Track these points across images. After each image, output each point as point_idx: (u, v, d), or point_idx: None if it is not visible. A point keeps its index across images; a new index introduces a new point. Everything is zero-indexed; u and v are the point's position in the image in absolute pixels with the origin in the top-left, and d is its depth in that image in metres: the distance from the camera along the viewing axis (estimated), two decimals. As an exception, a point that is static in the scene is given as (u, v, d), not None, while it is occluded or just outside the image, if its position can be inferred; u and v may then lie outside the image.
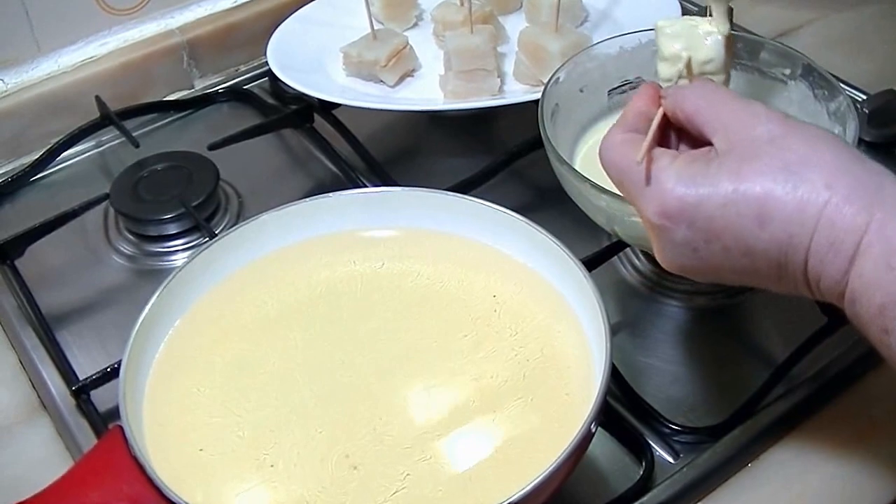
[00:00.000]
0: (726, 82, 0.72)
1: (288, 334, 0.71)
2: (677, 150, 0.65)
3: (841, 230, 0.54)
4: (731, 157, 0.57)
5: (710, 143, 0.60)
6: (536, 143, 0.79)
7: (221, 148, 0.95)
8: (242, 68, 1.15)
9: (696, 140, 0.62)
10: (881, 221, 0.53)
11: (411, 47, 1.01)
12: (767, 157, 0.56)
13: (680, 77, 0.68)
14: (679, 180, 0.58)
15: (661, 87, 0.66)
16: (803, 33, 1.13)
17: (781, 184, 0.55)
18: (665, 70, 0.71)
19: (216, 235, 0.77)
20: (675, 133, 0.65)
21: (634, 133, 0.63)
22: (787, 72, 0.81)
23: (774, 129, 0.57)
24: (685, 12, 1.00)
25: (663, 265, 0.62)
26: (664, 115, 0.64)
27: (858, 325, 0.56)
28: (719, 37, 0.69)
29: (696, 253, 0.59)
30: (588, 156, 0.83)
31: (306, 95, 0.97)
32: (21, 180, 1.00)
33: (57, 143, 1.01)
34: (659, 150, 0.61)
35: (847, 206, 0.54)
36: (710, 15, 0.70)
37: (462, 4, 1.00)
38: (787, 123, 0.58)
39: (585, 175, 0.73)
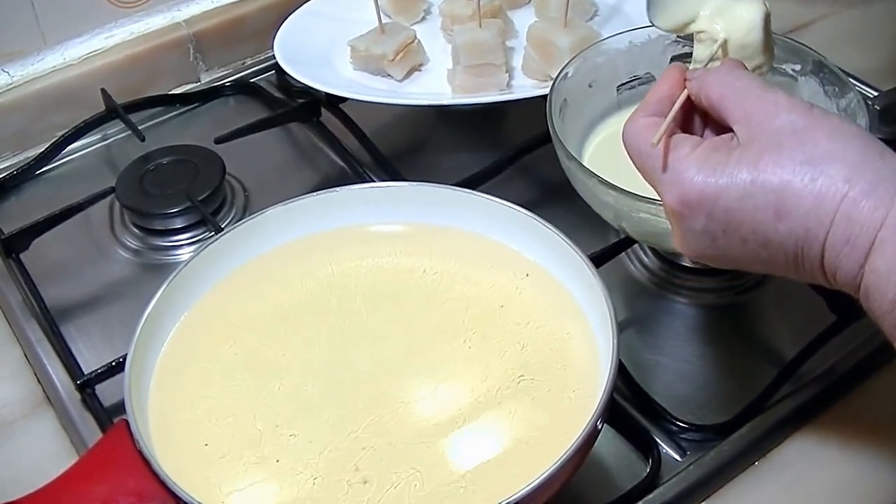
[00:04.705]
0: (766, 64, 0.70)
1: (294, 329, 0.71)
2: (702, 133, 0.64)
3: (857, 225, 0.53)
4: (751, 148, 0.57)
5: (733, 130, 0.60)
6: (544, 139, 0.79)
7: (228, 142, 0.95)
8: (249, 61, 1.15)
9: (720, 124, 0.62)
10: None
11: (419, 41, 1.00)
12: (788, 149, 0.56)
13: (714, 59, 0.68)
14: (700, 170, 0.58)
15: (686, 69, 0.65)
16: (815, 29, 1.12)
17: (800, 176, 0.55)
18: (701, 52, 0.70)
19: (222, 230, 0.77)
20: (701, 116, 0.65)
21: (658, 118, 0.62)
22: (798, 68, 0.81)
23: (797, 120, 0.57)
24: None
25: (682, 251, 0.62)
26: (689, 98, 0.63)
27: (873, 318, 0.56)
28: (759, 20, 0.68)
29: (715, 242, 0.59)
30: (597, 151, 0.83)
31: (313, 89, 0.97)
32: (26, 173, 1.00)
33: (62, 136, 1.01)
34: (681, 137, 0.61)
35: (864, 200, 0.53)
36: None
37: (470, -1, 1.00)
38: (811, 114, 0.57)
39: (594, 171, 0.73)
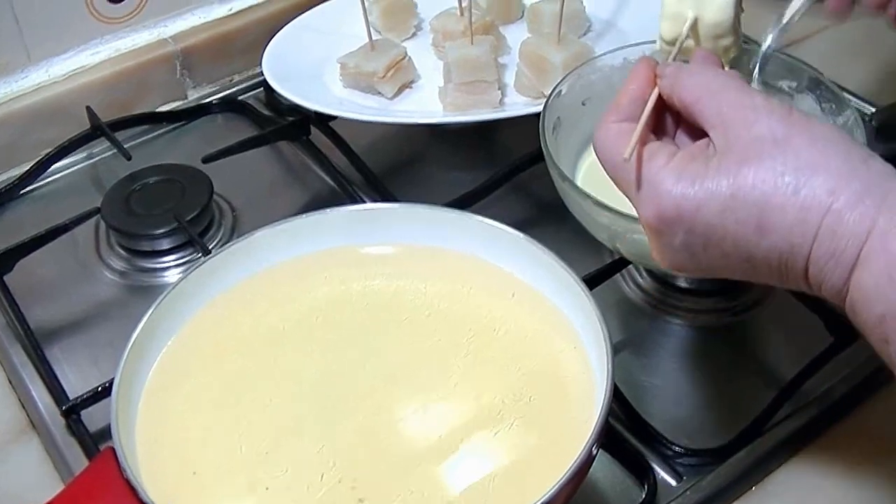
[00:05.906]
0: (735, 45, 0.69)
1: (284, 353, 0.70)
2: (675, 132, 0.62)
3: (842, 239, 0.52)
4: (729, 157, 0.55)
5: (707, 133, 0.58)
6: (538, 157, 0.78)
7: (215, 161, 0.94)
8: (237, 78, 1.14)
9: (693, 125, 0.60)
10: (883, 230, 0.51)
11: (410, 58, 1.00)
12: (769, 158, 0.54)
13: (685, 39, 0.66)
14: (677, 182, 0.56)
15: (657, 63, 0.63)
16: (817, 41, 1.12)
17: (782, 189, 0.53)
18: (668, 29, 0.69)
19: (210, 251, 0.76)
20: (673, 114, 0.62)
21: (630, 122, 0.60)
22: (794, 84, 0.80)
23: (776, 127, 0.55)
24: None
25: (660, 264, 0.60)
26: (660, 96, 0.61)
27: (860, 331, 0.55)
28: None
29: (695, 256, 0.57)
30: (590, 171, 0.82)
31: (302, 107, 0.96)
32: (10, 193, 0.99)
33: (47, 154, 1.00)
34: (655, 146, 0.59)
35: (849, 213, 0.52)
36: None
37: (462, 14, 0.99)
38: (790, 121, 0.55)
39: (587, 191, 0.72)
